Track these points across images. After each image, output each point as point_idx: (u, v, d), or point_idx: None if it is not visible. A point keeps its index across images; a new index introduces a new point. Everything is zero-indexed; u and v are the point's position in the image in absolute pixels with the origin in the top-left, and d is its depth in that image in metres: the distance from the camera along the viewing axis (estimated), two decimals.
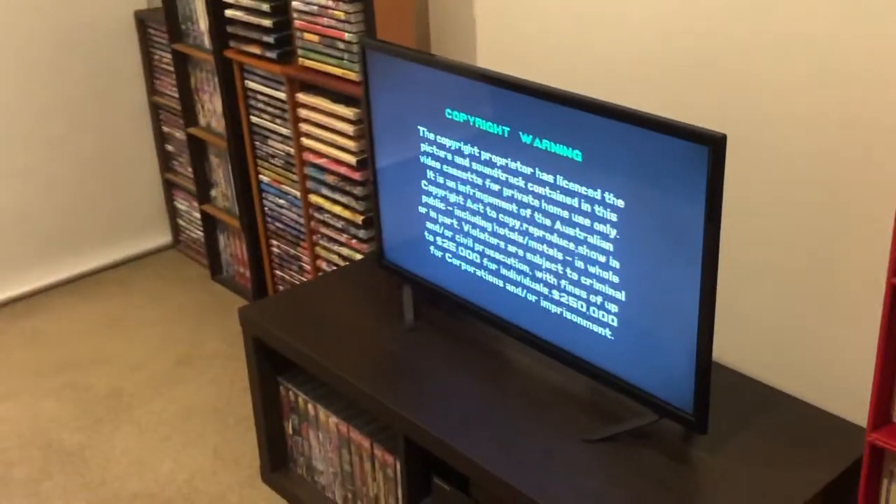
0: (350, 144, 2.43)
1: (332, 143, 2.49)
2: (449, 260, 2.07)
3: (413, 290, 2.19)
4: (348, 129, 2.42)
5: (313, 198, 2.64)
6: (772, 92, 1.79)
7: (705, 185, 1.52)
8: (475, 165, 1.91)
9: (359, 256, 2.55)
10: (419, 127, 2.01)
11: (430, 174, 2.03)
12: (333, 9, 2.34)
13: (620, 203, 1.67)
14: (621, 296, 1.73)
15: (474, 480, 1.84)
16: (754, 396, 1.88)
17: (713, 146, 1.49)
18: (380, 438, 2.07)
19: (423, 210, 2.09)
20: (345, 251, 2.60)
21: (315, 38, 2.43)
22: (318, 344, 2.11)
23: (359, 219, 2.50)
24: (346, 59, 2.37)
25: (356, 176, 2.45)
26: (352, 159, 2.44)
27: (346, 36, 2.34)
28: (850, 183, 1.72)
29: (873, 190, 1.69)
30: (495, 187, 1.89)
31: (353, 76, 2.37)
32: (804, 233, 1.82)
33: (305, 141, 2.58)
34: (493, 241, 1.94)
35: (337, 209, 2.56)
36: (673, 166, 1.56)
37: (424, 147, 2.02)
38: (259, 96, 2.79)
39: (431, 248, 2.10)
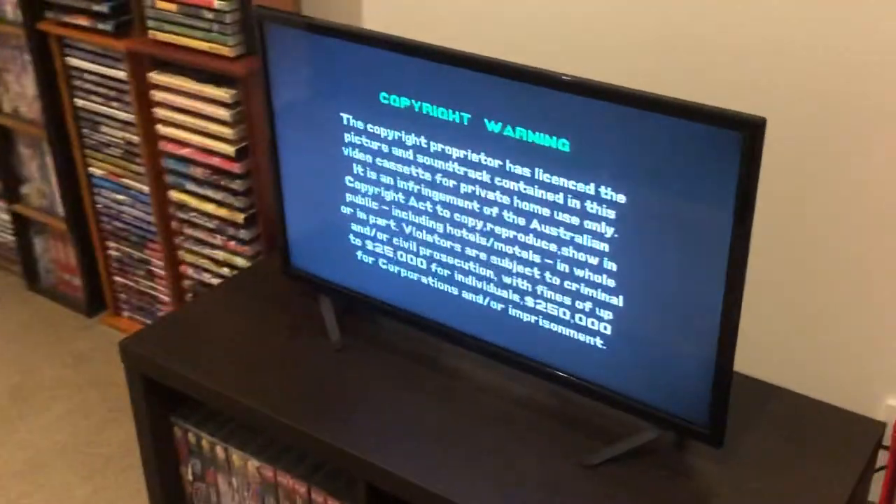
0: (226, 132, 2.07)
1: (200, 130, 2.11)
2: (383, 266, 1.78)
3: (334, 302, 1.89)
4: (223, 113, 2.05)
5: (175, 194, 2.25)
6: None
7: (737, 177, 1.32)
8: (422, 158, 1.63)
9: (240, 260, 2.20)
10: (342, 114, 1.69)
11: (357, 169, 1.72)
12: None
13: (621, 198, 1.44)
14: (618, 301, 1.52)
15: None
16: (743, 391, 1.73)
17: (749, 133, 1.29)
18: (318, 481, 1.77)
19: (347, 210, 1.78)
20: (220, 254, 2.23)
21: (172, 6, 2.03)
22: (227, 376, 1.77)
23: (239, 217, 2.15)
24: (215, 30, 1.99)
25: (235, 168, 2.09)
26: (229, 149, 2.08)
27: (216, 3, 1.97)
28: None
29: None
30: (449, 183, 1.62)
31: (226, 51, 2.00)
32: (801, 225, 1.68)
33: (162, 129, 2.18)
34: (446, 243, 1.67)
35: (208, 207, 2.19)
36: (694, 155, 1.36)
37: (350, 138, 1.70)
38: (86, 76, 2.35)
39: (359, 253, 1.80)
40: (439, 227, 1.67)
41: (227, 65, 2.01)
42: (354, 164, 1.72)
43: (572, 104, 1.44)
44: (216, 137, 2.09)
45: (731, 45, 1.69)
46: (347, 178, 1.74)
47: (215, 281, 2.27)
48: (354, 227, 1.78)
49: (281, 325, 1.91)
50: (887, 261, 1.67)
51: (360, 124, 1.68)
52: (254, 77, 1.99)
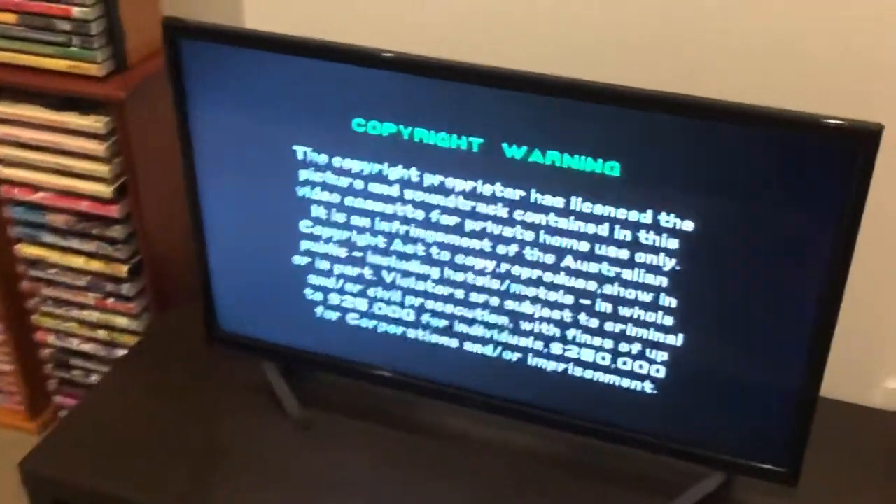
0: (99, 169, 1.64)
1: (61, 169, 1.67)
2: (353, 322, 1.47)
3: (281, 368, 1.56)
4: (93, 147, 1.62)
5: (26, 249, 1.79)
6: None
7: (842, 193, 1.13)
8: (411, 194, 1.32)
9: (121, 320, 1.78)
10: (297, 148, 1.35)
11: (317, 212, 1.39)
12: None
13: (687, 225, 1.22)
14: (676, 340, 1.30)
15: None
16: None
17: (864, 143, 1.10)
18: None
19: (301, 261, 1.44)
20: (94, 315, 1.81)
21: (10, 17, 1.58)
22: (169, 483, 1.41)
23: (121, 269, 1.73)
24: (76, 45, 1.56)
25: (112, 211, 1.68)
26: (103, 189, 1.66)
27: (76, 11, 1.53)
28: None
29: None
30: (450, 220, 1.32)
31: (94, 69, 1.57)
32: None
33: (5, 171, 1.71)
34: (443, 290, 1.38)
35: (75, 261, 1.75)
36: (784, 171, 1.15)
37: (307, 175, 1.37)
38: None
39: (319, 308, 1.47)
40: (434, 273, 1.38)
41: (96, 86, 1.58)
42: (314, 206, 1.39)
43: (626, 120, 1.19)
44: (84, 177, 1.66)
45: (734, 40, 1.48)
46: (304, 222, 1.41)
47: (88, 348, 1.85)
48: (313, 279, 1.45)
49: (218, 404, 1.56)
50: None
51: (322, 158, 1.34)
52: (134, 100, 1.58)
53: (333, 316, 1.47)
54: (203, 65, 1.34)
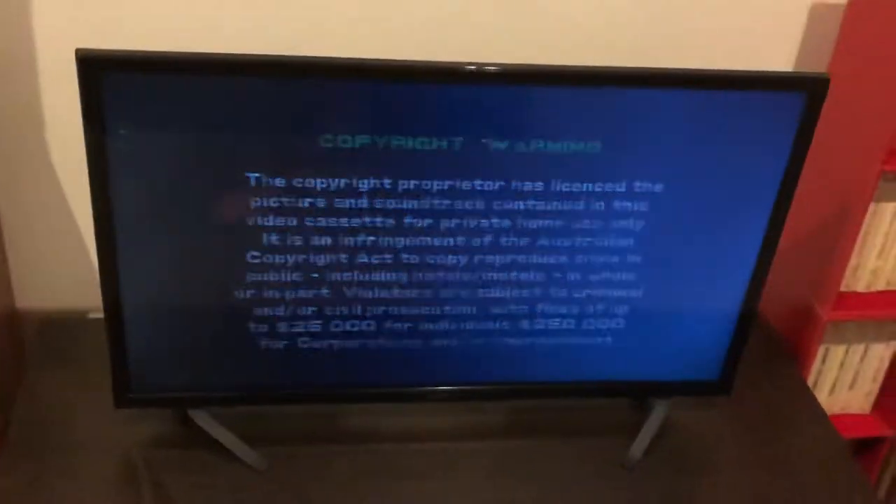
0: None
1: None
2: (304, 346, 1.37)
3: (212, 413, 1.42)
4: None
5: None
6: None
7: (793, 138, 1.29)
8: (382, 202, 1.26)
9: None
10: (250, 174, 1.22)
11: (269, 240, 1.27)
12: None
13: (658, 188, 1.31)
14: (638, 293, 1.40)
15: None
16: None
17: (811, 91, 1.26)
18: None
19: (245, 294, 1.31)
20: None
21: None
22: None
23: None
24: None
25: None
26: None
27: None
28: None
29: None
30: (423, 223, 1.29)
31: None
32: None
33: None
34: (411, 293, 1.34)
35: None
36: (745, 125, 1.28)
37: (258, 202, 1.24)
38: None
39: (264, 340, 1.36)
40: (402, 278, 1.33)
41: None
42: (266, 235, 1.27)
43: (606, 99, 1.24)
44: None
45: None
46: (251, 253, 1.28)
47: None
48: (259, 310, 1.33)
49: (169, 478, 1.38)
50: None
51: (279, 182, 1.23)
52: None
53: (279, 345, 1.37)
54: (128, 99, 1.15)
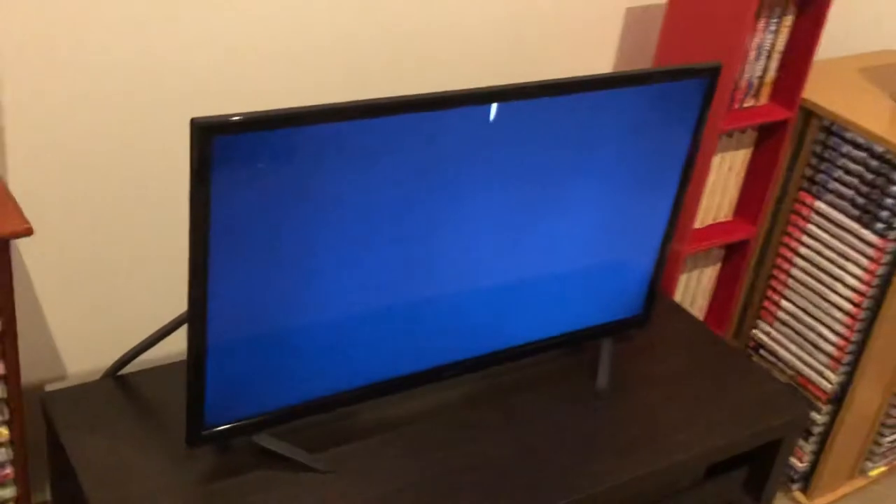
0: None
1: None
2: (350, 354, 1.56)
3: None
4: None
5: None
6: None
7: (697, 115, 1.69)
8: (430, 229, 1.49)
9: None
10: (320, 213, 1.38)
11: (335, 270, 1.44)
12: None
13: (603, 170, 1.65)
14: (590, 257, 1.74)
15: None
16: None
17: (712, 75, 1.66)
18: None
19: (313, 323, 1.47)
20: None
21: None
22: None
23: (3, 434, 1.44)
24: None
25: None
26: None
27: None
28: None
29: None
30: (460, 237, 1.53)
31: None
32: None
33: None
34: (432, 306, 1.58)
35: None
36: (670, 108, 1.66)
37: (328, 237, 1.41)
38: None
39: (317, 360, 1.52)
40: (431, 290, 1.56)
41: None
42: (335, 266, 1.44)
43: (561, 107, 1.55)
44: None
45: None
46: (322, 282, 1.44)
47: None
48: (321, 334, 1.49)
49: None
50: None
51: (350, 216, 1.41)
52: None
53: (330, 357, 1.54)
54: (231, 156, 1.28)
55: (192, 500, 1.49)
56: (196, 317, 1.37)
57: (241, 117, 1.27)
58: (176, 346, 1.66)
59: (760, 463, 1.91)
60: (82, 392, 1.64)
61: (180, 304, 1.46)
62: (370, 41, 1.77)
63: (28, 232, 1.32)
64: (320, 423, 1.63)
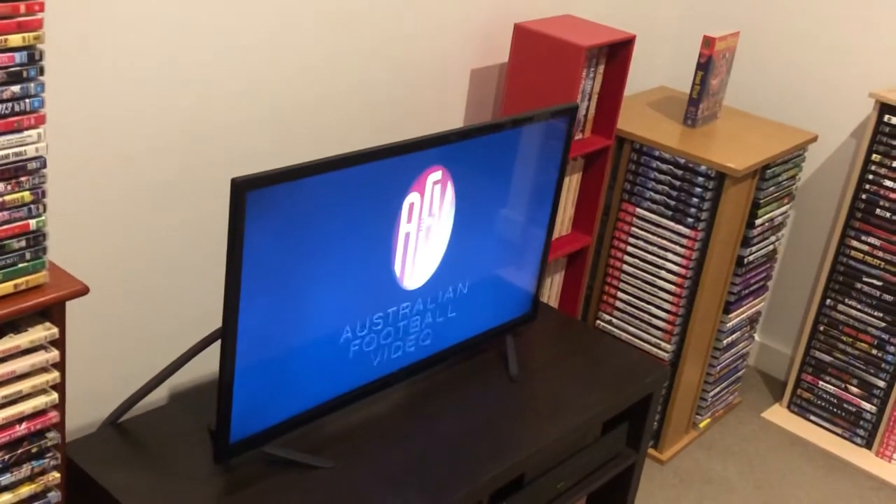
0: (50, 378, 1.55)
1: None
2: (364, 349, 1.88)
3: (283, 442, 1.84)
4: (42, 359, 1.53)
5: None
6: None
7: (562, 146, 2.16)
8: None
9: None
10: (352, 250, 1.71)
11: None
12: (6, 193, 1.40)
13: (502, 196, 2.08)
14: (492, 270, 2.15)
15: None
16: None
17: (571, 114, 2.14)
18: None
19: (333, 342, 1.78)
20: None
21: None
22: None
23: (52, 478, 1.63)
24: (28, 259, 1.47)
25: (55, 418, 1.59)
26: (49, 400, 1.57)
27: (33, 224, 1.46)
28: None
29: None
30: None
31: (41, 278, 1.50)
32: None
33: None
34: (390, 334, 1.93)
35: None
36: (544, 142, 2.11)
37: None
38: None
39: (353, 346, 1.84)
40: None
41: (47, 293, 1.50)
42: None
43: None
44: (30, 396, 1.53)
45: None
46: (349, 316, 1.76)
47: None
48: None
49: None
50: None
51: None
52: None
53: (352, 350, 1.86)
54: (264, 205, 1.59)
55: None
56: (227, 344, 1.65)
57: (270, 173, 1.59)
58: (155, 393, 1.92)
59: (636, 419, 2.38)
60: (95, 439, 1.85)
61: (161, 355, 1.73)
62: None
63: (85, 291, 1.56)
64: (312, 430, 1.93)
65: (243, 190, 1.56)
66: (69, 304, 1.85)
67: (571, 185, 2.62)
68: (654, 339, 2.70)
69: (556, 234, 2.64)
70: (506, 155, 2.05)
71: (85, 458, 1.79)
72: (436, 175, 1.88)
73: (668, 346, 2.68)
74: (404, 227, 1.87)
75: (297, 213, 1.67)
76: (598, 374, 2.30)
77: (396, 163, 1.79)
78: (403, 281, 1.93)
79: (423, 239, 1.93)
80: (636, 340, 2.73)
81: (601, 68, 2.50)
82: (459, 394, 2.14)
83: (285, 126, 2.11)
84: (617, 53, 2.50)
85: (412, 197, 1.85)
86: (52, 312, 1.56)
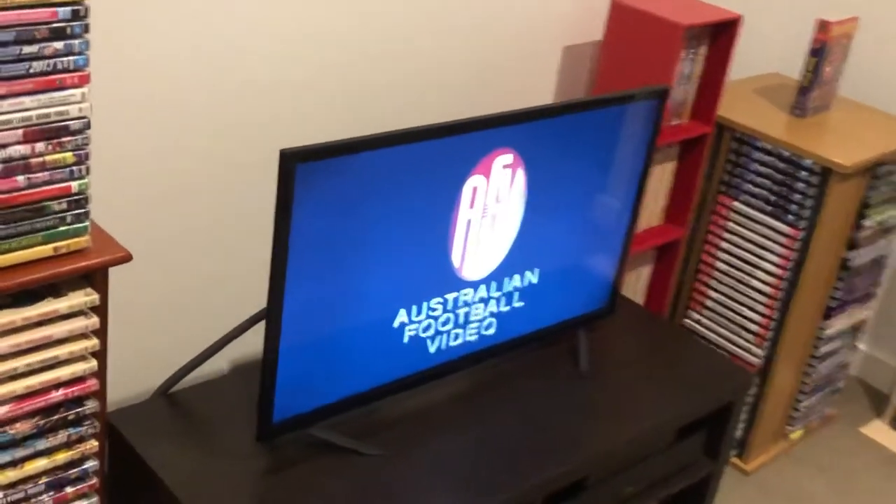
0: (89, 345, 1.52)
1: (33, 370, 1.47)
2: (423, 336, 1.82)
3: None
4: (83, 324, 1.50)
5: None
6: None
7: (651, 131, 2.02)
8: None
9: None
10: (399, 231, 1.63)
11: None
12: (47, 153, 1.36)
13: (585, 184, 1.96)
14: (572, 259, 2.04)
15: None
16: None
17: (661, 97, 1.99)
18: None
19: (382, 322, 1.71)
20: None
21: None
22: None
23: (94, 446, 1.60)
24: (70, 223, 1.43)
25: (95, 386, 1.56)
26: (89, 367, 1.53)
27: (75, 187, 1.42)
28: None
29: None
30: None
31: (83, 242, 1.46)
32: None
33: None
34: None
35: (36, 464, 1.55)
36: (631, 126, 1.98)
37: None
38: None
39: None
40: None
41: (89, 258, 1.47)
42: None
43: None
44: (68, 362, 1.50)
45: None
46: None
47: None
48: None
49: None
50: None
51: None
52: None
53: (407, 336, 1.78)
54: (314, 180, 1.52)
55: (272, 487, 1.69)
56: (272, 322, 1.59)
57: (322, 146, 1.51)
58: (214, 362, 1.87)
59: (715, 426, 2.24)
60: (141, 409, 1.82)
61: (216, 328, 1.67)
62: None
63: (128, 258, 1.51)
64: (359, 415, 1.86)
65: (293, 162, 1.48)
66: (124, 272, 1.82)
67: (665, 173, 2.47)
68: (744, 343, 2.53)
69: (646, 225, 2.50)
70: (586, 139, 1.92)
71: (129, 427, 1.76)
72: (505, 158, 1.77)
73: (758, 351, 2.51)
74: (466, 212, 1.76)
75: (348, 190, 1.59)
76: (677, 377, 2.17)
77: (457, 142, 1.69)
78: (464, 267, 1.83)
79: (488, 226, 1.82)
80: (725, 342, 2.57)
81: (703, 50, 2.34)
82: (523, 387, 2.04)
83: (360, 106, 2.03)
84: (721, 34, 2.33)
85: (475, 180, 1.74)
86: (95, 278, 1.52)
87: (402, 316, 1.78)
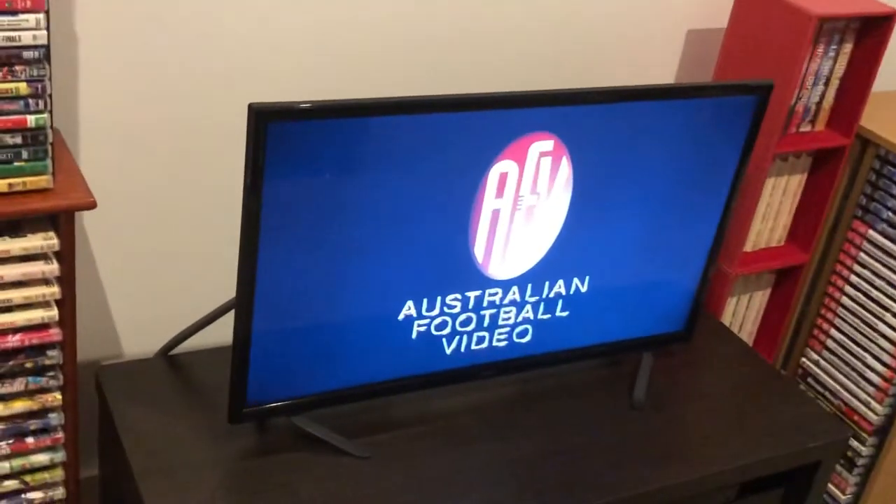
0: (47, 292, 1.43)
1: None
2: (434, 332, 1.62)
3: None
4: (41, 270, 1.41)
5: None
6: None
7: (746, 132, 1.71)
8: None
9: (42, 457, 1.56)
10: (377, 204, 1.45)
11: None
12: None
13: (657, 181, 1.68)
14: (637, 272, 1.77)
15: None
16: None
17: (762, 94, 1.69)
18: None
19: (362, 306, 1.53)
20: (17, 462, 1.54)
21: None
22: None
23: (53, 398, 1.52)
24: (26, 157, 1.34)
25: (53, 335, 1.47)
26: (47, 314, 1.44)
27: (31, 121, 1.32)
28: None
29: None
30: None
31: (44, 181, 1.37)
32: None
33: None
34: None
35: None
36: (720, 124, 1.69)
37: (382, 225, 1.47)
38: None
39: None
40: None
41: (47, 200, 1.37)
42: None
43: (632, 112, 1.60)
44: (20, 307, 1.42)
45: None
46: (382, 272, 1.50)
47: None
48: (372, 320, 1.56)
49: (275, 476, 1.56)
50: None
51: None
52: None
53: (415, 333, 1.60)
54: (285, 143, 1.35)
55: (232, 474, 1.55)
56: (243, 299, 1.44)
57: (297, 105, 1.34)
58: (227, 329, 1.74)
59: (797, 486, 1.91)
60: (135, 368, 1.72)
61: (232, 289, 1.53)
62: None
63: (91, 205, 1.40)
64: (358, 412, 1.68)
65: (265, 121, 1.32)
66: (137, 229, 1.73)
67: (791, 186, 2.13)
68: (864, 396, 2.16)
69: (763, 244, 2.17)
70: (653, 132, 1.64)
71: (112, 385, 1.67)
72: (543, 144, 1.53)
73: (878, 408, 2.13)
74: (491, 201, 1.54)
75: (341, 161, 1.41)
76: (754, 421, 1.85)
77: (478, 118, 1.47)
78: (490, 263, 1.61)
79: (521, 220, 1.59)
80: (843, 391, 2.21)
81: (847, 47, 1.98)
82: (555, 409, 1.79)
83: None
84: (871, 31, 1.96)
85: (504, 166, 1.52)
86: (59, 223, 1.42)
87: (409, 308, 1.58)
